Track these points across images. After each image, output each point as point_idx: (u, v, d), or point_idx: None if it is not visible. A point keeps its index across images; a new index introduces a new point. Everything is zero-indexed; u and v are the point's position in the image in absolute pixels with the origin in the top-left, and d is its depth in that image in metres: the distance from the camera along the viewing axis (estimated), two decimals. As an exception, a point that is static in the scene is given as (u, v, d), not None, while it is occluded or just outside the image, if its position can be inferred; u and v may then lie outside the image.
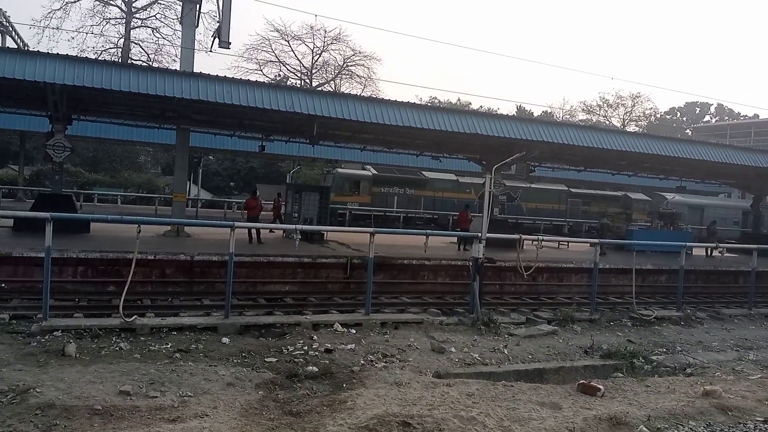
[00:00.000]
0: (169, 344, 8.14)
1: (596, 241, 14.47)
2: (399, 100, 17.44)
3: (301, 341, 8.77)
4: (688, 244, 17.54)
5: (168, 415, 5.57)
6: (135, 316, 9.06)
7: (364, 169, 32.49)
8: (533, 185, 34.79)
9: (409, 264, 15.79)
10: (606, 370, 9.20)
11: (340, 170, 31.80)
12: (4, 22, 26.92)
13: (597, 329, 11.76)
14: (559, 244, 23.51)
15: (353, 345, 8.79)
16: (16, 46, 26.44)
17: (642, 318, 12.89)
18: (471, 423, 5.58)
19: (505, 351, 9.34)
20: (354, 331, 9.69)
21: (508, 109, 69.75)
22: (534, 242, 13.26)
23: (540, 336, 10.60)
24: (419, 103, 21.25)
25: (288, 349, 8.34)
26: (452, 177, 33.54)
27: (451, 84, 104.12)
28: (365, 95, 37.63)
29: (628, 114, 67.62)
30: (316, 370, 7.48)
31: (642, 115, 69.67)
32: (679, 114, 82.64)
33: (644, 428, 5.67)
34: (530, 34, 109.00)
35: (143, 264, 12.65)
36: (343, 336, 9.37)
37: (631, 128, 62.07)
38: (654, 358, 9.97)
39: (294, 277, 14.52)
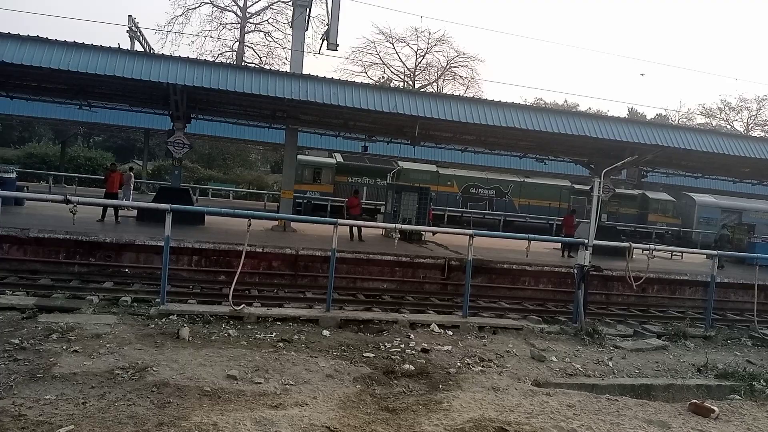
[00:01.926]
0: (274, 333, 8.47)
1: (714, 252, 13.50)
2: (503, 100, 17.16)
3: (398, 339, 8.83)
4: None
5: (271, 401, 5.80)
6: (243, 305, 9.52)
7: (331, 156, 30.76)
8: (528, 179, 31.69)
9: (509, 268, 15.49)
10: (721, 391, 8.54)
11: (300, 156, 29.54)
12: (134, 28, 29.14)
13: (712, 347, 10.96)
14: (672, 255, 22.18)
15: (450, 347, 8.74)
16: (143, 50, 28.55)
17: (764, 338, 11.87)
18: (571, 434, 5.39)
19: (610, 363, 8.92)
20: (451, 333, 9.63)
21: (619, 111, 66.62)
22: (645, 251, 12.60)
23: (648, 350, 10.03)
24: (524, 103, 20.74)
25: (385, 346, 8.43)
26: (432, 168, 30.69)
27: (557, 85, 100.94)
28: (468, 96, 37.36)
29: (752, 118, 62.42)
30: (413, 368, 7.50)
31: (769, 119, 64.03)
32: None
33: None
34: (644, 33, 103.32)
35: (252, 256, 13.27)
36: (439, 337, 9.35)
37: (756, 133, 57.23)
38: (778, 382, 9.13)
39: (392, 276, 14.69)
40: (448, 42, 47.63)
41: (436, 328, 9.72)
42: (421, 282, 14.84)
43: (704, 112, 64.46)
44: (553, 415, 5.89)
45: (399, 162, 30.24)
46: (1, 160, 30.55)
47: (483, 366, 8.04)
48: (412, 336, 9.09)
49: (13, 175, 20.24)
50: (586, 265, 11.01)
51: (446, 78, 49.25)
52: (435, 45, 47.42)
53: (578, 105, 59.65)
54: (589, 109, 55.08)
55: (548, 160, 25.26)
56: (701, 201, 33.63)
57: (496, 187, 31.22)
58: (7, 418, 4.84)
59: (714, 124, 61.57)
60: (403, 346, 8.50)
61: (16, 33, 14.06)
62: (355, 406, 6.01)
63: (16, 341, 6.89)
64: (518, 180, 31.40)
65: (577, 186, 32.73)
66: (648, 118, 56.38)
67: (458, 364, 7.97)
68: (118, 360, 6.57)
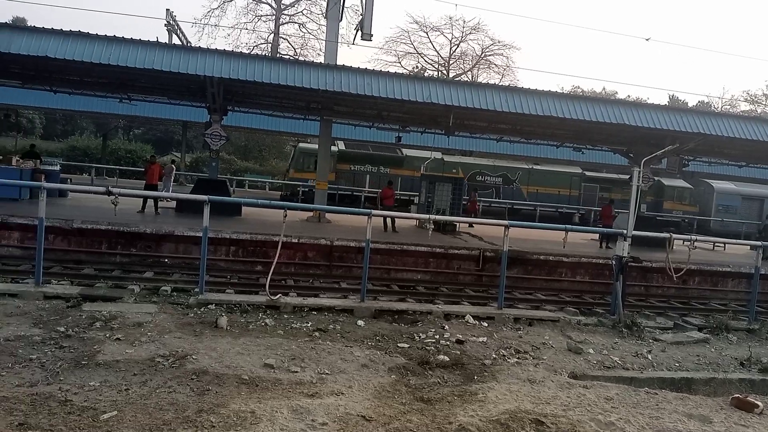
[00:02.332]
0: (309, 323, 8.56)
1: (758, 243, 13.09)
2: (539, 89, 16.90)
3: (433, 330, 8.83)
4: None
5: (307, 390, 5.87)
6: (279, 295, 9.64)
7: (333, 144, 29.82)
8: (537, 166, 30.69)
9: (545, 260, 15.31)
10: (765, 386, 8.31)
11: (302, 144, 29.41)
12: (171, 22, 29.59)
13: (756, 340, 10.65)
14: (714, 246, 21.61)
15: (485, 338, 8.70)
16: (180, 43, 29.00)
17: (812, 332, 11.48)
18: (609, 428, 5.31)
19: (649, 356, 8.76)
20: (486, 324, 9.59)
21: (659, 98, 64.93)
22: (686, 242, 12.31)
23: (689, 343, 9.80)
24: (561, 92, 20.39)
25: (420, 337, 8.44)
26: (436, 155, 29.63)
27: (595, 72, 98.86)
28: (503, 84, 36.85)
29: (802, 104, 60.14)
30: (447, 359, 7.49)
31: (820, 105, 61.58)
32: None
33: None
34: (685, 17, 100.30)
35: (287, 246, 13.41)
36: (474, 328, 9.31)
37: (806, 120, 55.03)
38: (827, 378, 8.83)
39: (426, 267, 14.66)
40: (483, 30, 47.36)
41: (471, 320, 9.68)
42: (456, 273, 14.78)
43: (749, 98, 62.41)
44: (590, 408, 5.82)
45: (403, 149, 29.73)
46: (46, 153, 31.47)
47: (519, 358, 7.98)
48: (446, 327, 9.08)
49: (57, 168, 20.87)
50: (624, 256, 10.80)
51: (481, 66, 48.75)
52: (470, 33, 46.97)
53: (617, 93, 58.48)
54: (628, 96, 53.94)
55: (585, 149, 24.81)
56: (720, 188, 32.06)
57: (504, 174, 30.54)
58: (54, 403, 5.01)
59: (759, 111, 59.54)
60: (437, 336, 8.50)
61: (59, 28, 14.42)
62: (390, 395, 6.04)
63: (62, 329, 7.12)
64: (526, 167, 30.59)
65: (588, 173, 31.87)
66: (689, 105, 54.83)
67: (493, 355, 7.93)
68: (158, 348, 6.73)
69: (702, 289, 15.85)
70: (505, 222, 10.98)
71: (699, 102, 61.33)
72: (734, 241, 14.89)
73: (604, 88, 62.02)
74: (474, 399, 5.93)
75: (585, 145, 23.52)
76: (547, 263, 15.37)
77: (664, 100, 56.72)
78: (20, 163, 17.70)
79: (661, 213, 30.44)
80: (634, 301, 13.67)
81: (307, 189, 26.94)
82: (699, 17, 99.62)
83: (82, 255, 12.83)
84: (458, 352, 7.87)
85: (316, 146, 29.14)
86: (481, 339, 8.62)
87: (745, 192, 31.91)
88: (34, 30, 14.57)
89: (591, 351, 8.66)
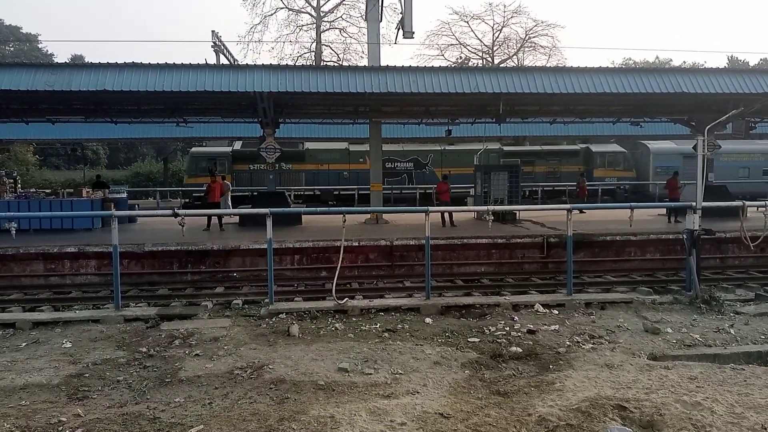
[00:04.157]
0: (378, 324, 8.64)
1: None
2: (588, 66, 16.44)
3: (502, 322, 8.74)
4: None
5: (383, 391, 5.93)
6: (346, 299, 9.77)
7: (230, 145, 29.51)
8: (450, 147, 29.51)
9: (612, 240, 14.91)
10: None
11: (194, 149, 28.98)
12: (217, 42, 30.38)
13: None
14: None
15: (557, 326, 8.55)
16: (228, 62, 29.74)
17: None
18: (696, 408, 5.12)
19: (732, 331, 8.38)
20: (556, 312, 9.42)
21: (718, 62, 61.96)
22: (760, 209, 11.70)
23: (774, 314, 9.33)
24: (612, 66, 19.73)
25: (489, 330, 8.38)
26: (341, 146, 29.25)
27: (646, 42, 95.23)
28: (551, 65, 36.05)
29: None
30: (520, 350, 7.41)
31: None
32: None
33: None
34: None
35: (349, 250, 13.57)
36: (545, 317, 9.16)
37: None
38: None
39: (489, 258, 14.53)
40: (525, 12, 46.30)
41: (541, 308, 9.53)
42: (520, 262, 14.57)
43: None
44: (674, 389, 5.64)
45: (306, 143, 29.31)
46: (112, 182, 32.95)
47: (594, 343, 7.80)
48: (515, 318, 8.97)
49: (124, 195, 21.83)
50: (696, 229, 10.38)
51: (526, 49, 47.78)
52: (511, 17, 46.13)
53: (671, 60, 56.38)
54: (684, 63, 51.74)
55: (644, 122, 23.95)
56: (657, 149, 29.65)
57: (415, 158, 29.70)
58: (144, 421, 5.26)
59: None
60: (507, 328, 8.41)
61: (114, 62, 15.09)
62: (466, 391, 6.03)
63: (144, 349, 7.46)
64: (438, 149, 29.58)
65: (506, 148, 30.65)
66: (751, 65, 52.09)
67: (567, 342, 7.79)
68: (236, 360, 6.95)
69: (784, 256, 15.04)
70: (567, 206, 10.76)
71: (762, 60, 58.16)
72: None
73: (657, 57, 59.77)
74: (551, 389, 5.84)
75: (643, 118, 22.70)
76: (614, 243, 14.96)
77: (722, 64, 54.09)
78: (90, 193, 18.62)
79: (592, 182, 29.11)
80: (711, 275, 13.10)
81: (201, 194, 25.03)
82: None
83: (155, 276, 13.39)
84: (531, 342, 7.77)
85: (209, 149, 29.40)
86: (552, 327, 8.48)
87: (687, 151, 28.69)
88: (92, 66, 15.30)
89: (669, 330, 8.37)
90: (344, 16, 44.46)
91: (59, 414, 5.42)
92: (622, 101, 19.04)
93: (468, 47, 48.19)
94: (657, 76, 16.55)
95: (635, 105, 19.91)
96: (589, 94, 16.32)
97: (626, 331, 8.37)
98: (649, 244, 15.04)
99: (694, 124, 20.25)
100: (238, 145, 29.36)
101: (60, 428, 5.12)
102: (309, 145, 29.50)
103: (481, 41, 47.79)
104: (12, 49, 56.43)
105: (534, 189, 29.62)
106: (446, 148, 30.29)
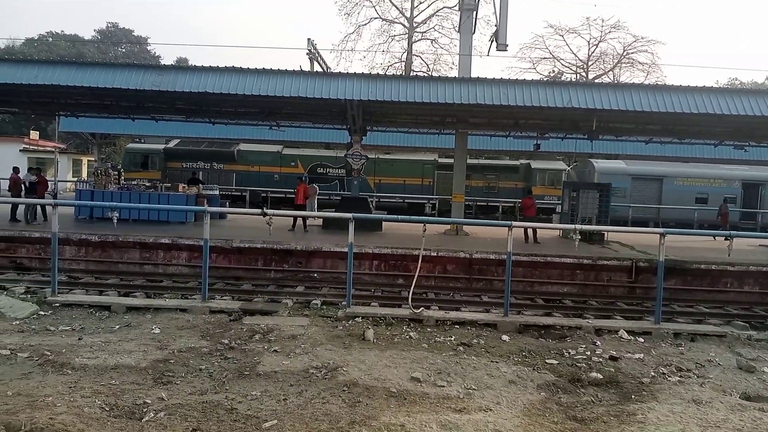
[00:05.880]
0: (453, 337, 8.54)
1: None
2: (690, 84, 15.62)
3: (583, 346, 8.42)
4: None
5: (454, 405, 5.85)
6: (422, 308, 9.74)
7: (166, 141, 29.10)
8: (386, 155, 28.18)
9: (707, 269, 14.06)
10: None
11: (130, 145, 28.89)
12: (312, 50, 31.26)
13: None
14: None
15: (641, 354, 8.13)
16: (321, 70, 30.55)
17: None
18: (795, 458, 4.72)
19: (840, 377, 7.67)
20: (642, 340, 8.96)
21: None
22: None
23: None
24: (716, 86, 18.64)
25: (569, 353, 8.09)
26: (274, 148, 29.16)
27: (753, 62, 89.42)
28: (649, 83, 34.51)
29: None
30: (601, 377, 7.10)
31: None
32: None
33: None
34: None
35: (427, 260, 13.55)
36: (629, 344, 8.74)
37: None
38: None
39: (572, 279, 14.08)
40: (624, 28, 44.69)
41: (625, 335, 9.11)
42: (605, 285, 14.01)
43: None
44: (770, 435, 5.22)
45: (240, 143, 29.02)
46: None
47: (681, 376, 7.36)
48: (597, 342, 8.62)
49: (216, 192, 22.84)
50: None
51: (623, 65, 46.07)
52: (609, 32, 44.65)
53: (783, 81, 52.36)
54: (798, 83, 48.08)
55: (748, 146, 22.45)
56: (603, 167, 26.40)
57: (342, 166, 28.62)
58: (222, 410, 5.45)
59: None
60: (588, 353, 8.09)
61: (215, 65, 15.86)
62: (541, 413, 5.84)
63: (226, 341, 7.75)
64: (372, 156, 27.99)
65: (441, 160, 29.08)
66: None
67: (652, 373, 7.39)
68: (312, 360, 7.08)
69: None
70: (661, 230, 10.24)
71: None
72: None
73: (767, 78, 55.92)
74: (632, 420, 5.56)
75: (747, 142, 21.30)
76: (710, 272, 14.09)
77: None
78: (185, 189, 19.62)
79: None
80: (819, 315, 12.09)
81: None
82: None
83: (240, 271, 13.91)
84: (612, 369, 7.44)
85: (143, 146, 29.75)
86: (637, 356, 8.08)
87: (637, 171, 26.08)
88: (195, 69, 16.18)
89: (766, 369, 7.77)
90: (436, 27, 44.68)
91: (145, 396, 5.71)
92: (725, 123, 17.96)
93: (562, 61, 47.10)
94: (766, 98, 15.49)
95: (740, 127, 18.72)
96: (691, 114, 15.50)
97: (717, 367, 7.84)
98: (747, 276, 14.07)
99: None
100: (172, 143, 29.99)
101: (144, 410, 5.40)
102: (242, 146, 29.87)
103: (576, 55, 46.59)
104: (124, 50, 60.65)
105: (467, 203, 28.52)
106: (380, 156, 29.77)
